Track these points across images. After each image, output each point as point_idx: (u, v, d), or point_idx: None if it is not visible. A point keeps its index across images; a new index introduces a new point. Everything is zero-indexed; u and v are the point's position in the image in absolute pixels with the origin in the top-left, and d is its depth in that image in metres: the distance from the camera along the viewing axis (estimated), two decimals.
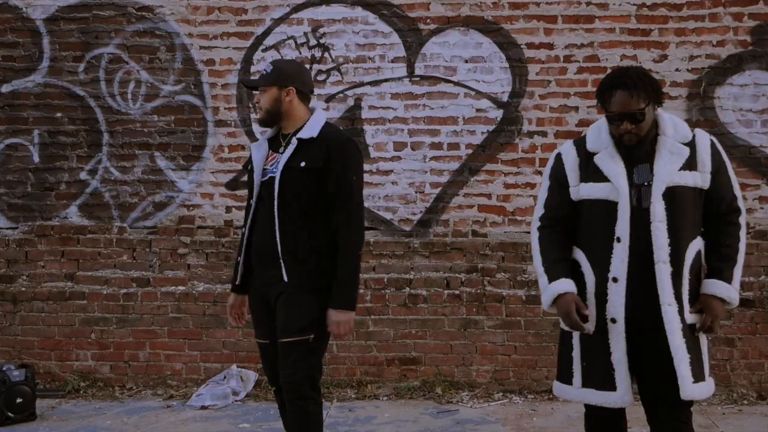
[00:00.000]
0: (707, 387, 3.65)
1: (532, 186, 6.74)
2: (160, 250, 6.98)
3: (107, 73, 6.94)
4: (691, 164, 3.66)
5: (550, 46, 6.71)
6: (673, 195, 3.60)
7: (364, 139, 6.78)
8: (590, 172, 3.71)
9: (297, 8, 6.82)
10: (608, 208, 3.64)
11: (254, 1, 6.83)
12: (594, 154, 3.73)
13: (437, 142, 6.77)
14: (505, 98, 6.72)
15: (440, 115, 6.77)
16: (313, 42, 6.80)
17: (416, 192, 6.75)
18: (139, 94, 6.91)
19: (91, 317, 6.94)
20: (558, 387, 3.85)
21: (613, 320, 3.62)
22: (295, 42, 6.82)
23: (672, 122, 3.74)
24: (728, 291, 3.63)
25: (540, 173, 6.65)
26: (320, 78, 6.80)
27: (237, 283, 4.31)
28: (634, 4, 6.65)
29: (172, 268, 6.96)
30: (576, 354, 3.74)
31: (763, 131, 6.61)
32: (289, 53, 6.85)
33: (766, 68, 6.57)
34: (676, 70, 6.63)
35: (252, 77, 4.11)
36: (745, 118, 6.62)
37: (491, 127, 6.73)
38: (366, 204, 6.74)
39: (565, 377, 3.78)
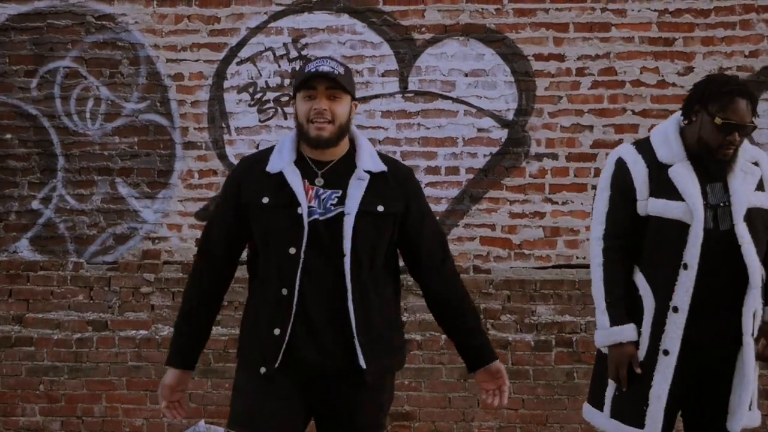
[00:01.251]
0: (755, 415, 3.64)
1: (541, 215, 6.28)
2: (121, 289, 6.40)
3: (63, 89, 6.43)
4: (761, 185, 3.59)
5: (560, 58, 6.27)
6: (753, 216, 3.53)
7: None
8: (662, 186, 3.54)
9: (276, 16, 6.35)
10: (679, 229, 3.49)
11: (228, 8, 6.37)
12: (667, 166, 3.56)
13: (434, 165, 6.32)
14: (510, 116, 6.28)
15: (437, 135, 6.32)
16: (293, 54, 6.35)
17: None
18: (99, 112, 6.42)
19: (40, 366, 6.28)
20: (587, 410, 3.79)
21: (666, 352, 3.49)
22: (274, 54, 6.37)
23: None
24: None
25: (550, 200, 6.27)
26: None
27: (187, 356, 3.47)
28: (655, 11, 6.20)
29: (134, 309, 6.37)
30: (611, 383, 3.66)
31: None
32: (267, 66, 6.36)
33: None
34: None
35: (326, 68, 3.15)
36: None
37: (495, 149, 6.29)
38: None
39: (597, 401, 3.73)
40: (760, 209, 3.54)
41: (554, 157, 6.25)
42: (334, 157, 3.31)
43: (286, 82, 6.29)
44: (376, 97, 6.31)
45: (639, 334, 3.54)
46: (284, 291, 3.23)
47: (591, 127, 6.23)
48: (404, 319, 6.04)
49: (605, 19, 6.21)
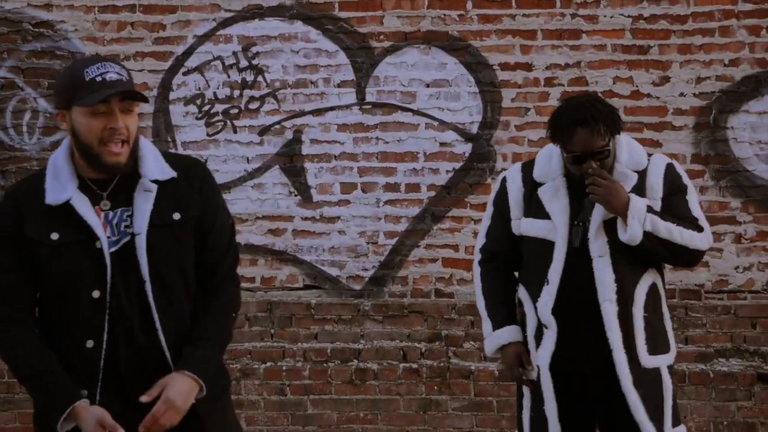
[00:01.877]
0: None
1: None
2: None
3: None
4: (639, 191, 3.56)
5: (528, 67, 6.02)
6: (613, 228, 3.51)
7: (305, 180, 6.08)
8: (533, 205, 3.65)
9: (225, 23, 6.08)
10: (545, 248, 3.59)
11: (174, 15, 6.08)
12: (540, 185, 3.65)
13: (393, 182, 6.09)
14: (474, 130, 6.04)
15: (396, 150, 6.07)
16: (244, 63, 6.09)
17: (368, 243, 6.11)
18: (36, 126, 6.15)
19: None
20: None
21: (540, 368, 3.61)
22: (223, 63, 6.10)
23: (628, 148, 3.66)
24: (640, 203, 3.48)
25: None
26: (252, 106, 6.09)
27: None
28: (629, 17, 5.93)
29: None
30: (526, 402, 3.73)
31: None
32: (216, 77, 6.08)
33: None
34: (681, 94, 5.92)
35: (113, 75, 2.72)
36: (765, 153, 5.91)
37: (458, 165, 6.05)
38: (308, 258, 6.08)
39: (519, 425, 3.80)
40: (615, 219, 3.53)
41: None
42: (116, 173, 2.84)
43: (236, 93, 6.05)
44: (331, 109, 6.08)
45: (529, 360, 3.65)
46: (89, 343, 2.80)
47: None
48: (359, 346, 5.99)
49: (576, 25, 5.96)
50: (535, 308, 3.61)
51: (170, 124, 6.04)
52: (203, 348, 2.85)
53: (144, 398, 2.75)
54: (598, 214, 3.52)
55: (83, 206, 2.80)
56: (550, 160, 3.65)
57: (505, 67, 5.99)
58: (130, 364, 2.82)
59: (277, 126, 6.06)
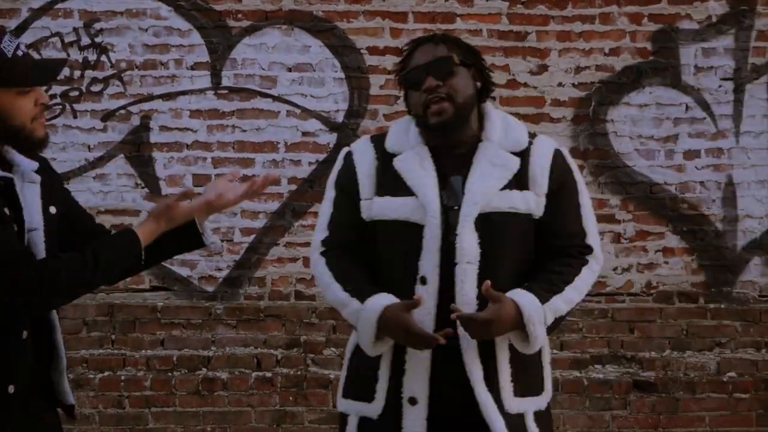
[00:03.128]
0: None
1: None
2: None
3: None
4: (520, 181, 2.84)
5: (398, 52, 5.55)
6: (490, 225, 2.78)
7: (153, 170, 5.74)
8: (389, 180, 2.88)
9: None
10: (410, 233, 2.80)
11: None
12: (395, 155, 2.90)
13: (250, 174, 5.67)
14: (339, 118, 5.87)
15: (255, 139, 5.83)
16: (86, 41, 5.73)
17: (222, 241, 5.84)
18: None
19: None
20: None
21: (412, 400, 2.77)
22: (62, 40, 5.72)
23: (503, 123, 2.93)
24: (532, 304, 2.71)
25: None
26: (95, 88, 5.74)
27: None
28: (505, 0, 5.79)
29: None
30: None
31: (668, 164, 5.87)
32: (54, 55, 5.63)
33: (670, 84, 5.86)
34: (559, 84, 5.83)
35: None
36: (645, 148, 5.87)
37: (322, 156, 5.85)
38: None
39: None
40: (507, 214, 2.78)
41: None
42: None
43: (76, 74, 5.68)
44: (183, 93, 5.81)
45: (374, 380, 2.86)
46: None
47: None
48: (209, 353, 5.65)
49: (449, 8, 5.79)
50: None
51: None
52: None
53: None
54: (471, 201, 2.79)
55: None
56: (407, 131, 2.96)
57: (373, 51, 5.81)
58: None
59: (123, 111, 5.77)
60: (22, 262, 2.55)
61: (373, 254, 2.90)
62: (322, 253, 2.93)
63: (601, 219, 5.55)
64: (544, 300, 2.71)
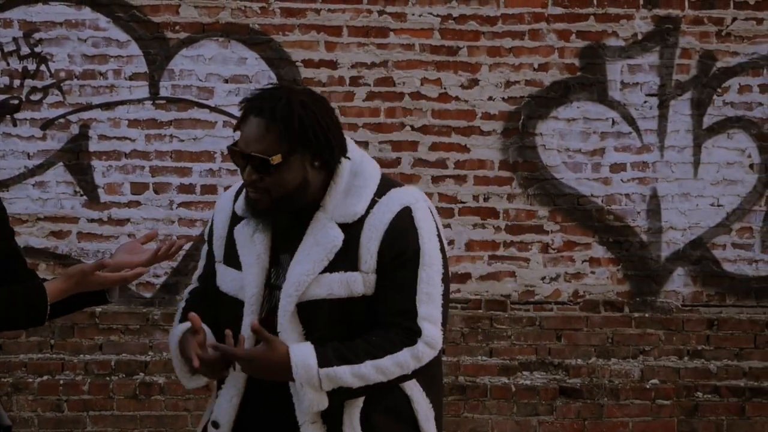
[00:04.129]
0: None
1: None
2: None
3: None
4: (347, 258, 2.45)
5: (332, 65, 5.84)
6: (311, 313, 2.45)
7: (92, 178, 5.74)
8: (229, 248, 2.60)
9: (3, 6, 5.67)
10: (234, 310, 2.53)
11: None
12: (241, 219, 2.59)
13: (188, 183, 5.82)
14: None
15: (192, 149, 5.81)
16: (25, 50, 5.71)
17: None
18: None
19: None
20: None
21: (215, 424, 2.55)
22: (2, 49, 5.70)
23: (348, 184, 2.50)
24: (304, 362, 2.35)
25: None
26: (35, 98, 5.72)
27: None
28: (437, 16, 5.82)
29: None
30: None
31: (594, 177, 5.91)
32: None
33: (597, 99, 5.91)
34: (490, 98, 5.85)
35: None
36: (573, 161, 5.92)
37: None
38: (93, 261, 5.60)
39: None
40: (325, 301, 2.44)
41: None
42: None
43: (16, 83, 5.67)
44: (122, 103, 5.78)
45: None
46: None
47: (366, 144, 5.78)
48: (147, 358, 5.67)
49: (383, 23, 5.79)
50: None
51: None
52: None
53: None
54: (287, 290, 2.46)
55: None
56: None
57: (308, 64, 5.82)
58: None
59: (62, 120, 5.73)
60: None
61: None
62: (185, 301, 2.75)
63: (529, 230, 5.72)
64: (324, 364, 2.36)
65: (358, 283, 2.43)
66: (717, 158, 5.91)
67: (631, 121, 5.88)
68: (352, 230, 2.44)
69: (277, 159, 2.38)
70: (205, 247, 2.72)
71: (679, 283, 5.89)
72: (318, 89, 5.60)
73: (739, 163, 5.92)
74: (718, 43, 5.87)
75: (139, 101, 5.77)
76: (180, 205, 5.75)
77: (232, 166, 5.61)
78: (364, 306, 2.45)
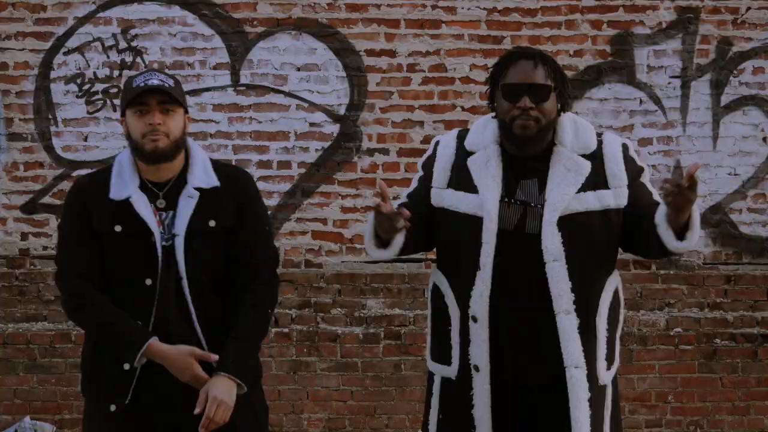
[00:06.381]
0: None
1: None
2: None
3: None
4: (596, 182, 2.99)
5: (392, 54, 6.19)
6: (572, 224, 2.96)
7: None
8: (462, 176, 3.06)
9: (104, 6, 6.12)
10: (473, 226, 2.98)
11: None
12: (471, 154, 3.08)
13: (266, 159, 6.19)
14: (341, 111, 6.18)
15: (269, 129, 6.17)
16: (123, 45, 6.12)
17: None
18: None
19: None
20: None
21: (476, 368, 2.99)
22: (103, 44, 6.13)
23: (573, 128, 3.07)
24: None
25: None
26: None
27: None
28: (484, 9, 6.17)
29: None
30: (435, 402, 3.15)
31: None
32: (96, 57, 6.14)
33: (626, 81, 6.17)
34: None
35: (155, 81, 3.16)
36: None
37: (327, 144, 6.18)
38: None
39: (425, 425, 3.22)
40: (587, 213, 2.97)
41: (385, 152, 6.19)
42: (171, 175, 3.16)
43: (115, 73, 6.10)
44: (207, 90, 6.12)
45: (450, 347, 3.10)
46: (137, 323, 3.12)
47: (422, 123, 6.16)
48: None
49: (436, 16, 6.13)
50: (460, 300, 3.04)
51: (51, 101, 6.08)
52: (240, 347, 3.12)
53: (197, 411, 3.03)
54: (551, 207, 2.95)
55: (141, 204, 3.11)
56: (484, 129, 3.12)
57: (370, 53, 6.10)
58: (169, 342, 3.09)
59: None
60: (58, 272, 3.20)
61: (439, 240, 3.13)
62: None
63: None
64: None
65: (613, 196, 2.99)
66: (733, 132, 6.14)
67: (656, 101, 6.12)
68: (592, 159, 3.00)
69: (553, 87, 2.94)
70: (418, 175, 3.18)
71: (700, 244, 6.04)
72: (379, 75, 6.09)
73: (753, 137, 6.15)
74: (734, 30, 6.10)
75: (222, 88, 6.11)
76: (259, 179, 5.88)
77: (304, 143, 6.10)
78: (611, 220, 3.00)
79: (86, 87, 6.12)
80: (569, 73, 5.82)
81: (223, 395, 3.04)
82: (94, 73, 6.12)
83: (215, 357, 3.07)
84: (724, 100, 6.18)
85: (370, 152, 6.22)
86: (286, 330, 6.08)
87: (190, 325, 3.12)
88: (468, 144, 3.10)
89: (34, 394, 6.05)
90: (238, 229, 3.18)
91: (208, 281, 3.15)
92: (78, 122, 6.12)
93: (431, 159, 3.16)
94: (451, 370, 3.09)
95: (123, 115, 3.19)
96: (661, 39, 6.16)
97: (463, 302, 3.02)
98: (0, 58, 6.11)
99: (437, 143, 3.20)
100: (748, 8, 6.16)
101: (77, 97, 6.12)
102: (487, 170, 3.01)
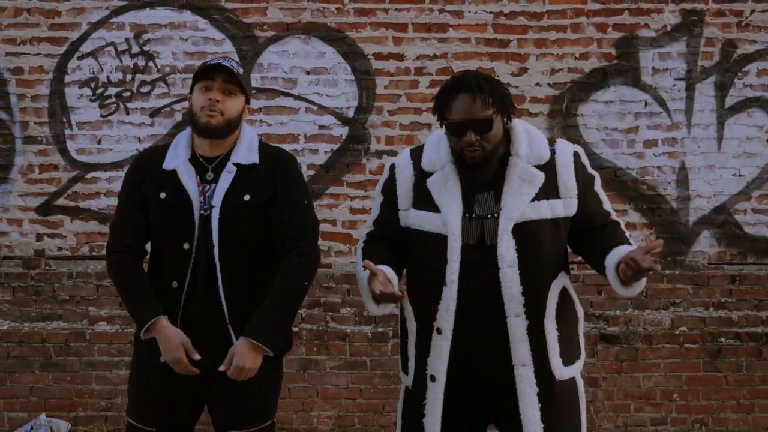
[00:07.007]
0: None
1: None
2: None
3: None
4: (548, 191, 3.13)
5: (399, 57, 6.23)
6: (525, 232, 3.09)
7: None
8: (423, 196, 3.19)
9: (117, 11, 6.19)
10: (439, 244, 3.11)
11: (68, 2, 6.18)
12: (429, 174, 3.20)
13: None
14: (350, 114, 6.21)
15: (279, 131, 6.21)
16: (135, 49, 6.19)
17: None
18: None
19: None
20: None
21: (432, 378, 3.14)
22: (116, 49, 6.20)
23: (527, 138, 3.20)
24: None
25: None
26: (144, 90, 6.19)
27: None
28: (490, 12, 6.20)
29: None
30: (399, 409, 3.34)
31: (630, 152, 6.22)
32: (109, 61, 6.21)
33: (631, 83, 6.19)
34: (537, 84, 6.20)
35: (225, 63, 3.42)
36: (610, 138, 6.23)
37: (336, 146, 6.22)
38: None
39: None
40: (539, 221, 3.10)
41: (393, 154, 6.17)
42: (221, 151, 3.40)
43: (128, 77, 6.17)
44: None
45: (407, 358, 3.27)
46: (174, 284, 3.35)
47: (429, 125, 6.16)
48: None
49: (443, 20, 6.16)
50: (419, 314, 3.18)
51: (65, 105, 6.15)
52: (267, 314, 3.31)
53: (222, 368, 3.28)
54: (507, 215, 3.08)
55: (186, 175, 3.37)
56: (438, 147, 3.22)
57: (378, 56, 6.15)
58: (198, 304, 3.35)
59: (167, 108, 6.13)
60: (108, 241, 3.46)
61: (406, 255, 3.25)
62: (365, 242, 3.32)
63: None
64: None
65: (563, 206, 3.14)
66: (738, 134, 6.15)
67: (661, 103, 6.13)
68: (545, 169, 3.13)
69: (493, 117, 3.02)
70: (379, 200, 3.33)
71: (705, 244, 6.14)
72: (387, 78, 6.09)
73: (757, 138, 6.17)
74: (738, 32, 6.13)
75: None
76: None
77: (313, 146, 6.12)
78: (563, 228, 3.14)
79: (100, 91, 6.18)
80: (575, 76, 6.04)
81: (246, 361, 3.26)
82: (108, 77, 6.18)
83: (198, 357, 3.29)
84: (729, 102, 6.18)
85: (379, 154, 6.24)
86: (296, 329, 6.05)
87: (215, 290, 3.31)
88: (425, 164, 3.21)
89: (49, 391, 6.11)
90: (274, 202, 3.37)
91: (241, 251, 3.34)
92: (92, 125, 6.19)
93: (392, 183, 3.27)
94: (409, 380, 3.26)
95: (191, 92, 3.44)
96: (666, 42, 6.17)
97: (425, 316, 3.16)
98: (15, 63, 6.18)
99: (393, 167, 3.30)
100: (753, 11, 6.17)
101: (91, 100, 6.18)
102: (447, 190, 3.13)
